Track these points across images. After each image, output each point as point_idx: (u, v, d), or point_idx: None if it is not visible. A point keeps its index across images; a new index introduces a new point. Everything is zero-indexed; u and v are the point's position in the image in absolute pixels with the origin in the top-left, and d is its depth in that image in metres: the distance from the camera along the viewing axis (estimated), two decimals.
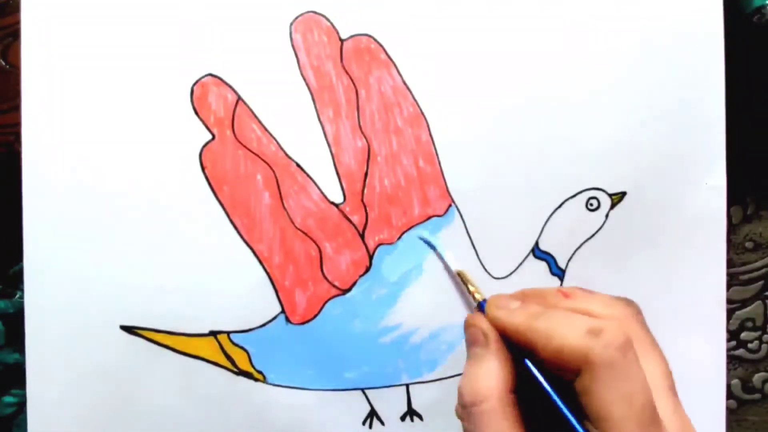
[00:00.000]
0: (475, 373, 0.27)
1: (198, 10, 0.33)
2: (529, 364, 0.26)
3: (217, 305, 0.34)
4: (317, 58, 0.33)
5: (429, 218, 0.34)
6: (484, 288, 0.34)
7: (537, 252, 0.34)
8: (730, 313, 0.38)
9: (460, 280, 0.33)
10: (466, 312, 0.35)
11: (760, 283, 0.38)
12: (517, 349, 0.27)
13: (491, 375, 0.27)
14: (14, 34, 0.33)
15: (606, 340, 0.24)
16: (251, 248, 0.34)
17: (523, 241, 0.34)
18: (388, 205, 0.34)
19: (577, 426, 0.25)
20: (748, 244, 0.38)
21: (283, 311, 0.34)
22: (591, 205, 0.34)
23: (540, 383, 0.26)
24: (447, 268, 0.34)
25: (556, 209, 0.34)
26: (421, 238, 0.34)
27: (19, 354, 0.34)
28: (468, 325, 0.29)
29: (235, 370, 0.34)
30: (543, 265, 0.35)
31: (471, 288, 0.32)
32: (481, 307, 0.30)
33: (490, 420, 0.26)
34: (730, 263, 0.37)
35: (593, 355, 0.24)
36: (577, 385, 0.24)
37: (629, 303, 0.29)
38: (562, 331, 0.25)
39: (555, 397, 0.26)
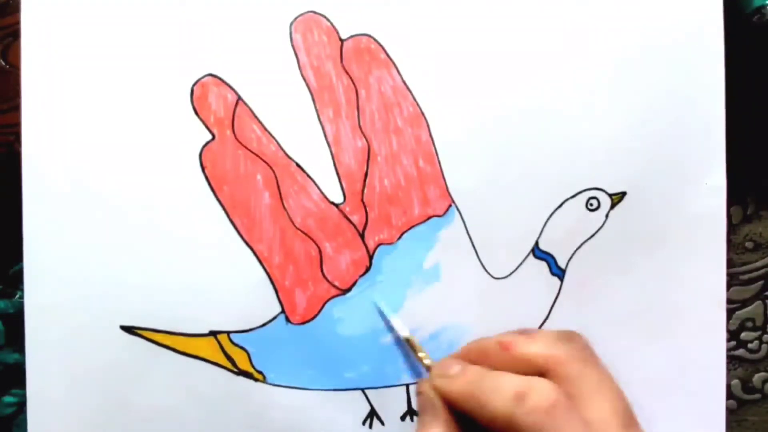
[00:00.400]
0: None
1: (198, 10, 0.33)
2: None
3: (217, 305, 0.34)
4: (317, 58, 0.33)
5: (429, 218, 0.34)
6: (484, 287, 0.35)
7: (537, 252, 0.34)
8: (730, 313, 0.38)
9: (409, 347, 0.33)
10: (466, 313, 0.35)
11: (760, 283, 0.38)
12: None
13: None
14: (14, 34, 0.33)
15: (530, 405, 0.24)
16: (251, 248, 0.34)
17: (523, 241, 0.34)
18: (388, 205, 0.34)
19: None
20: (748, 244, 0.38)
21: (283, 311, 0.34)
22: (591, 205, 0.34)
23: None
24: (395, 334, 0.34)
25: (556, 209, 0.34)
26: (377, 307, 0.34)
27: (19, 354, 0.34)
28: (417, 392, 0.29)
29: (235, 370, 0.34)
30: (543, 265, 0.35)
31: (420, 354, 0.32)
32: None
33: None
34: (730, 263, 0.37)
35: (518, 421, 0.24)
36: None
37: (572, 337, 0.28)
38: (491, 398, 0.25)
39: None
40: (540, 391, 0.25)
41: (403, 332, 0.33)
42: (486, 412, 0.25)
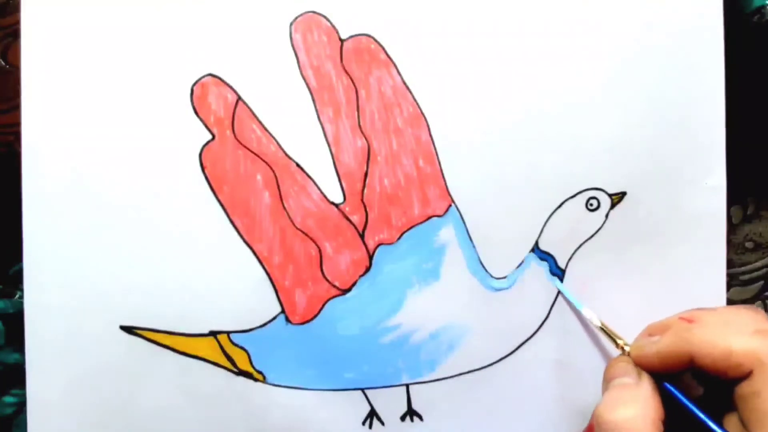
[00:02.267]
0: (623, 401, 0.27)
1: (198, 10, 0.33)
2: (670, 387, 0.27)
3: (217, 305, 0.34)
4: (317, 58, 0.33)
5: (429, 218, 0.34)
6: (484, 287, 0.35)
7: (537, 252, 0.34)
8: None
9: (607, 334, 0.33)
10: (466, 313, 0.35)
11: (760, 283, 0.38)
12: (660, 377, 0.27)
13: (644, 403, 0.27)
14: (14, 34, 0.33)
15: None
16: (251, 248, 0.34)
17: (523, 241, 0.34)
18: (388, 205, 0.34)
19: None
20: (748, 244, 0.38)
21: (283, 311, 0.34)
22: (591, 205, 0.34)
23: (683, 402, 0.27)
24: (591, 323, 0.34)
25: (556, 209, 0.34)
26: (558, 288, 0.34)
27: (19, 354, 0.34)
28: (612, 364, 0.30)
29: (235, 370, 0.34)
30: (543, 264, 0.35)
31: (620, 342, 0.32)
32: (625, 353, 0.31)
33: None
34: (730, 263, 0.37)
35: (765, 354, 0.24)
36: (742, 389, 0.25)
37: (756, 309, 0.28)
38: (726, 335, 0.26)
39: (701, 415, 0.26)
40: None
41: (596, 321, 0.33)
42: (719, 349, 0.25)
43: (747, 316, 0.27)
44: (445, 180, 0.34)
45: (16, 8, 0.33)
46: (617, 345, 0.31)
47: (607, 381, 0.29)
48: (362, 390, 0.35)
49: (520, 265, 0.35)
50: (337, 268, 0.34)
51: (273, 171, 0.34)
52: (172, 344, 0.34)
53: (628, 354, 0.30)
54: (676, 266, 0.35)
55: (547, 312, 0.35)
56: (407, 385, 0.35)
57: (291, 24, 0.33)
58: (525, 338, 0.35)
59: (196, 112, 0.33)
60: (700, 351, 0.26)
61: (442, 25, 0.33)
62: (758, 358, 0.25)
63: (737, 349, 0.25)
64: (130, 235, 0.33)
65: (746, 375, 0.25)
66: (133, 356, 0.34)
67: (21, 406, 0.35)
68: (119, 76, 0.33)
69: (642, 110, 0.34)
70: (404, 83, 0.34)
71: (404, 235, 0.34)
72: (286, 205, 0.34)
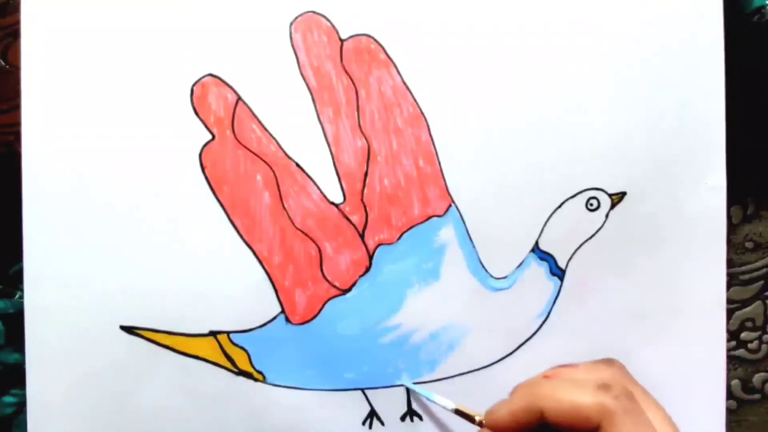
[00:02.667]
0: None
1: (198, 10, 0.33)
2: None
3: (217, 305, 0.34)
4: (317, 58, 0.33)
5: (429, 218, 0.34)
6: (484, 287, 0.35)
7: (537, 252, 0.34)
8: (730, 313, 0.38)
9: (462, 416, 0.32)
10: (466, 313, 0.35)
11: (760, 283, 0.38)
12: None
13: None
14: (14, 34, 0.33)
15: (616, 392, 0.26)
16: (251, 248, 0.34)
17: (523, 241, 0.34)
18: (388, 205, 0.34)
19: None
20: (748, 244, 0.38)
21: (283, 311, 0.34)
22: (591, 205, 0.34)
23: None
24: (444, 408, 0.33)
25: (556, 209, 0.34)
26: (408, 388, 0.34)
27: (19, 354, 0.34)
28: None
29: (235, 370, 0.34)
30: (543, 264, 0.35)
31: (477, 419, 0.31)
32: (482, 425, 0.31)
33: None
34: (730, 263, 0.37)
35: (609, 405, 0.26)
36: None
37: (611, 362, 0.30)
38: (571, 391, 0.27)
39: None
40: (618, 381, 0.27)
41: (449, 405, 0.33)
42: (566, 405, 0.27)
43: (598, 371, 0.29)
44: (445, 180, 0.34)
45: (16, 8, 0.33)
46: (474, 422, 0.31)
47: None
48: (362, 390, 0.35)
49: (520, 265, 0.35)
50: (337, 268, 0.34)
51: (273, 171, 0.34)
52: (172, 344, 0.34)
53: (480, 423, 0.30)
54: (676, 266, 0.35)
55: (547, 312, 0.35)
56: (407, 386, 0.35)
57: (291, 24, 0.33)
58: (525, 338, 0.35)
59: (196, 112, 0.33)
60: (548, 406, 0.27)
61: (442, 25, 0.33)
62: (605, 409, 0.26)
63: (583, 402, 0.26)
64: (130, 235, 0.33)
65: (596, 428, 0.26)
66: (133, 356, 0.34)
67: (21, 406, 0.35)
68: (119, 76, 0.33)
69: (642, 110, 0.34)
70: (404, 83, 0.34)
71: (404, 235, 0.34)
72: (286, 205, 0.34)
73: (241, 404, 0.34)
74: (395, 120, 0.34)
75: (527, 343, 0.35)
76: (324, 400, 0.35)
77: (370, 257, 0.34)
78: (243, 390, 0.34)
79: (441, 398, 0.33)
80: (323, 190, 0.34)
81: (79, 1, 0.33)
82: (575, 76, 0.34)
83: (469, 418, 0.31)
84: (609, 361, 0.31)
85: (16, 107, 0.33)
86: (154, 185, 0.33)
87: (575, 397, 0.27)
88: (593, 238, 0.35)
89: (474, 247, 0.34)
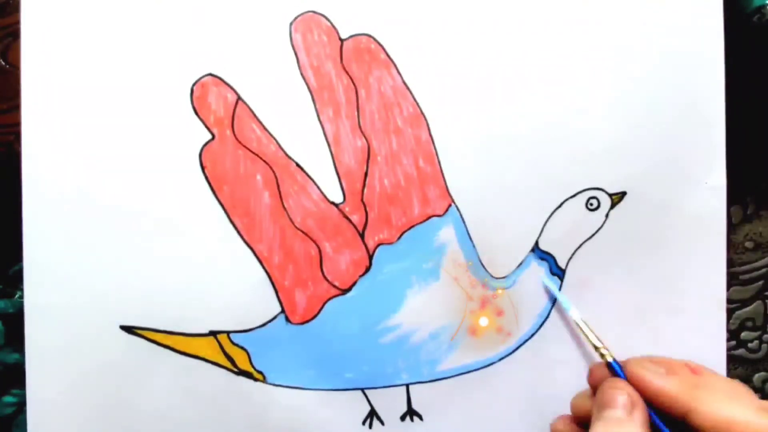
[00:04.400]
0: None
1: (198, 10, 0.33)
2: (662, 425, 0.28)
3: (217, 305, 0.34)
4: (317, 57, 0.33)
5: (429, 218, 0.34)
6: (484, 287, 0.35)
7: (537, 252, 0.34)
8: (730, 313, 0.38)
9: (587, 337, 0.32)
10: (466, 312, 0.35)
11: (760, 283, 0.38)
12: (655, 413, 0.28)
13: None
14: (14, 34, 0.33)
15: None
16: (251, 248, 0.34)
17: (523, 241, 0.34)
18: (388, 205, 0.34)
19: None
20: (748, 244, 0.38)
21: (283, 311, 0.34)
22: (591, 205, 0.34)
23: None
24: (574, 322, 0.34)
25: (556, 209, 0.34)
26: (546, 286, 0.34)
27: (19, 354, 0.34)
28: (605, 387, 0.29)
29: (235, 370, 0.34)
30: (543, 264, 0.35)
31: (599, 345, 0.32)
32: (611, 367, 0.30)
33: None
34: (730, 263, 0.37)
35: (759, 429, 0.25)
36: None
37: (749, 390, 0.29)
38: (730, 406, 0.26)
39: None
40: None
41: (579, 318, 0.33)
42: (722, 415, 0.26)
43: (746, 391, 0.28)
44: (445, 180, 0.34)
45: (16, 8, 0.33)
46: (596, 349, 0.31)
47: (599, 406, 0.29)
48: (362, 390, 0.35)
49: (520, 265, 0.35)
50: (337, 268, 0.34)
51: (273, 171, 0.34)
52: (172, 344, 0.34)
53: (608, 365, 0.30)
54: (676, 266, 0.35)
55: (547, 312, 0.35)
56: (407, 385, 0.35)
57: (291, 24, 0.33)
58: (525, 338, 0.35)
59: (196, 112, 0.33)
60: (703, 411, 0.26)
61: (442, 25, 0.33)
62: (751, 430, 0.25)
63: (740, 421, 0.26)
64: (130, 235, 0.33)
65: None
66: (133, 356, 0.34)
67: (21, 406, 0.35)
68: (119, 76, 0.33)
69: (642, 110, 0.34)
70: (404, 83, 0.34)
71: (404, 235, 0.34)
72: (286, 205, 0.34)
73: (241, 404, 0.34)
74: (395, 120, 0.34)
75: (527, 343, 0.35)
76: (324, 400, 0.35)
77: (370, 257, 0.34)
78: (243, 390, 0.34)
79: (575, 312, 0.33)
80: (323, 190, 0.34)
81: (79, 1, 0.33)
82: (575, 77, 0.34)
83: (597, 349, 0.31)
84: (745, 386, 0.30)
85: (16, 107, 0.33)
86: (154, 185, 0.33)
87: (734, 413, 0.26)
88: (593, 238, 0.35)
89: (474, 247, 0.34)
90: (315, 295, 0.34)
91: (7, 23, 0.34)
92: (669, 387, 0.28)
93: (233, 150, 0.33)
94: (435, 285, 0.34)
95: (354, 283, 0.34)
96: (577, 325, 0.33)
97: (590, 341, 0.32)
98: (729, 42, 0.34)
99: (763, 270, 0.38)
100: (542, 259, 0.35)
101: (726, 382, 0.29)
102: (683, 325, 0.35)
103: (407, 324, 0.34)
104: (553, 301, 0.35)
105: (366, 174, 0.34)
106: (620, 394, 0.29)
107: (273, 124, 0.33)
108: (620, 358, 0.31)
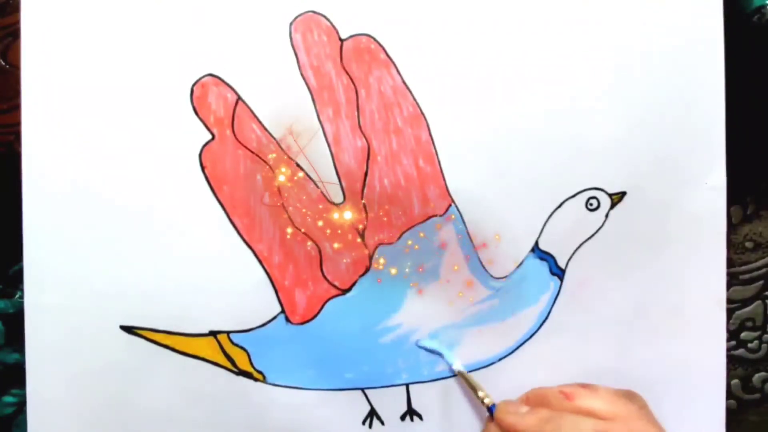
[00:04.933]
0: None
1: (198, 10, 0.33)
2: None
3: (217, 305, 0.34)
4: (317, 57, 0.33)
5: (429, 218, 0.34)
6: (484, 287, 0.35)
7: (537, 252, 0.34)
8: (730, 313, 0.38)
9: (468, 386, 0.34)
10: (465, 312, 0.35)
11: (760, 283, 0.38)
12: None
13: None
14: (14, 34, 0.33)
15: None
16: (251, 248, 0.34)
17: (523, 241, 0.34)
18: (388, 205, 0.34)
19: None
20: (748, 244, 0.38)
21: (283, 311, 0.34)
22: (591, 205, 0.34)
23: None
24: (457, 372, 0.34)
25: (556, 209, 0.34)
26: (421, 347, 0.34)
27: (19, 354, 0.34)
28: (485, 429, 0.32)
29: (235, 370, 0.34)
30: (543, 264, 0.35)
31: (480, 393, 0.33)
32: (490, 411, 0.32)
33: None
34: (730, 263, 0.37)
35: None
36: None
37: (633, 397, 0.30)
38: (576, 427, 0.27)
39: None
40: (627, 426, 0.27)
41: (457, 367, 0.34)
42: None
43: (616, 404, 0.29)
44: (445, 180, 0.34)
45: (16, 8, 0.33)
46: (477, 397, 0.33)
47: None
48: (362, 390, 0.35)
49: (520, 265, 0.35)
50: (337, 268, 0.34)
51: (273, 171, 0.34)
52: (172, 344, 0.34)
53: (490, 410, 0.32)
54: (676, 266, 0.35)
55: (547, 312, 0.35)
56: (407, 385, 0.35)
57: (291, 24, 0.33)
58: (525, 338, 0.35)
59: (196, 112, 0.33)
60: None
61: (442, 25, 0.33)
62: None
63: None
64: (130, 235, 0.33)
65: None
66: (133, 356, 0.34)
67: (21, 406, 0.35)
68: (119, 76, 0.33)
69: (642, 110, 0.34)
70: (404, 83, 0.34)
71: (404, 234, 0.34)
72: (286, 205, 0.34)
73: (241, 404, 0.34)
74: (395, 120, 0.34)
75: (527, 343, 0.35)
76: (324, 400, 0.35)
77: (370, 257, 0.34)
78: (243, 390, 0.34)
79: (458, 363, 0.34)
80: (323, 190, 0.34)
81: (79, 1, 0.33)
82: (575, 76, 0.34)
83: (476, 395, 0.32)
84: (631, 395, 0.30)
85: (16, 107, 0.33)
86: (154, 185, 0.33)
87: None
88: (593, 238, 0.35)
89: (474, 247, 0.34)
90: (315, 295, 0.34)
91: (7, 23, 0.34)
92: (521, 426, 0.29)
93: (233, 150, 0.33)
94: (435, 285, 0.34)
95: (354, 283, 0.34)
96: (460, 373, 0.34)
97: (472, 389, 0.33)
98: (729, 42, 0.34)
99: (763, 270, 0.38)
100: (542, 259, 0.35)
101: (601, 399, 0.29)
102: (683, 325, 0.35)
103: (407, 324, 0.34)
104: (553, 301, 0.35)
105: (366, 174, 0.34)
106: None
107: (273, 124, 0.33)
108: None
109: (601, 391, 0.30)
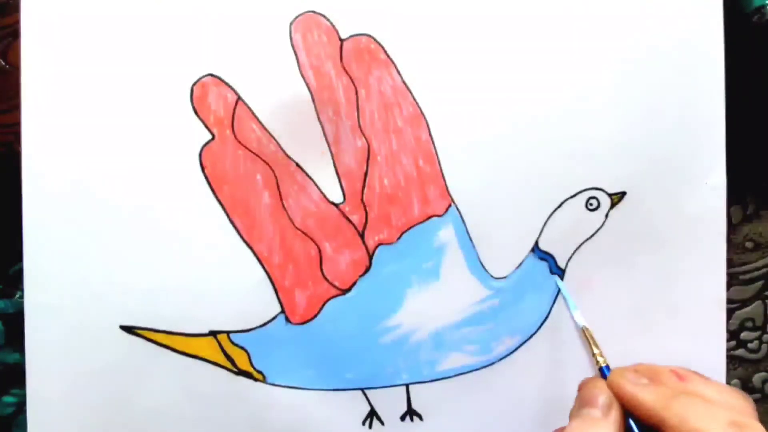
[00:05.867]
0: None
1: (198, 10, 0.33)
2: (635, 427, 0.28)
3: (217, 305, 0.34)
4: (317, 57, 0.33)
5: (429, 218, 0.34)
6: (484, 287, 0.35)
7: (537, 252, 0.34)
8: (730, 313, 0.38)
9: (587, 340, 0.33)
10: (466, 312, 0.35)
11: (760, 283, 0.38)
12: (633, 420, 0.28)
13: None
14: (14, 34, 0.33)
15: None
16: (251, 248, 0.34)
17: (523, 241, 0.34)
18: (388, 205, 0.34)
19: None
20: (748, 244, 0.38)
21: (282, 311, 0.34)
22: (591, 205, 0.34)
23: None
24: (576, 324, 0.34)
25: (556, 209, 0.34)
26: (559, 286, 0.34)
27: (19, 354, 0.34)
28: (588, 387, 0.30)
29: (235, 370, 0.34)
30: (543, 264, 0.35)
31: (596, 351, 0.32)
32: (602, 372, 0.31)
33: None
34: (730, 263, 0.37)
35: None
36: None
37: (745, 396, 0.29)
38: (701, 419, 0.26)
39: None
40: (755, 426, 0.26)
41: (582, 322, 0.34)
42: (689, 429, 0.26)
43: (732, 397, 0.28)
44: (445, 180, 0.34)
45: (16, 8, 0.33)
46: (593, 354, 0.32)
47: (578, 404, 0.30)
48: (362, 390, 0.35)
49: (520, 265, 0.35)
50: (337, 268, 0.34)
51: (273, 171, 0.34)
52: (172, 344, 0.34)
53: (602, 371, 0.31)
54: (676, 266, 0.35)
55: (546, 312, 0.35)
56: (407, 385, 0.35)
57: (291, 24, 0.33)
58: (525, 338, 0.35)
59: (196, 112, 0.33)
60: (672, 424, 0.26)
61: (442, 25, 0.33)
62: None
63: None
64: (130, 235, 0.33)
65: None
66: (133, 356, 0.34)
67: (21, 406, 0.35)
68: (119, 76, 0.33)
69: (642, 110, 0.34)
70: (404, 83, 0.34)
71: (404, 235, 0.34)
72: (286, 205, 0.34)
73: (241, 404, 0.34)
74: (395, 120, 0.34)
75: (527, 343, 0.35)
76: (324, 400, 0.35)
77: (370, 257, 0.34)
78: (243, 390, 0.34)
79: (579, 315, 0.34)
80: (323, 190, 0.34)
81: (79, 1, 0.33)
82: (575, 76, 0.34)
83: (594, 355, 0.32)
84: (743, 394, 0.29)
85: (16, 107, 0.33)
86: (154, 185, 0.33)
87: (703, 427, 0.26)
88: (593, 238, 0.35)
89: (474, 247, 0.34)
90: (315, 295, 0.34)
91: (7, 23, 0.34)
92: (643, 397, 0.28)
93: (233, 150, 0.33)
94: (435, 285, 0.34)
95: (354, 283, 0.34)
96: (581, 328, 0.33)
97: (590, 345, 0.33)
98: (729, 42, 0.34)
99: (763, 270, 0.38)
100: (542, 259, 0.35)
101: (714, 389, 0.29)
102: (683, 325, 0.35)
103: (407, 324, 0.34)
104: (553, 301, 0.35)
105: (366, 174, 0.34)
106: (600, 395, 0.29)
107: (273, 124, 0.33)
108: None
109: (712, 382, 0.29)
